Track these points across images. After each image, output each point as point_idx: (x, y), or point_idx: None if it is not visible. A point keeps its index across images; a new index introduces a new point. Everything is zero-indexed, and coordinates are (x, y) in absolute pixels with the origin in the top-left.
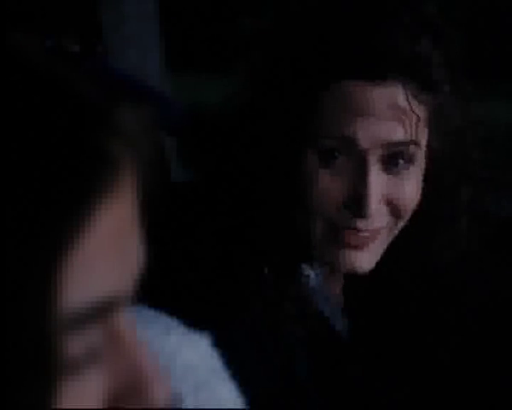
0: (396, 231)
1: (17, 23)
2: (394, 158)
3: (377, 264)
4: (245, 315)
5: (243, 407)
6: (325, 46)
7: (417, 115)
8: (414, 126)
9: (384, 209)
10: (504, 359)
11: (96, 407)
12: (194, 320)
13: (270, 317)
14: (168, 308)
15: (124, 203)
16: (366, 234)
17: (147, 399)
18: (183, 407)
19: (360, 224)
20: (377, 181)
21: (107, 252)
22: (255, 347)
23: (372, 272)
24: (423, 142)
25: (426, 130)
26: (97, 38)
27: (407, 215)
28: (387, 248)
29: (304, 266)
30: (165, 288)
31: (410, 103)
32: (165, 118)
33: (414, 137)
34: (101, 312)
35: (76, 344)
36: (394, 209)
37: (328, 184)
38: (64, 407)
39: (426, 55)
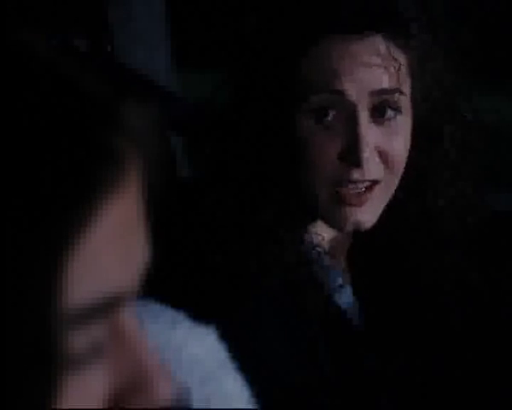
0: (392, 189)
1: (25, 21)
2: (382, 108)
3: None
4: (264, 288)
5: (250, 399)
6: (306, 6)
7: (399, 62)
8: (397, 73)
9: (377, 160)
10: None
11: (98, 404)
12: (214, 303)
13: (288, 283)
14: (183, 299)
15: (129, 199)
16: (363, 187)
17: (150, 395)
18: (191, 399)
19: (357, 175)
20: (368, 130)
21: (112, 248)
22: (278, 317)
23: (375, 243)
24: (408, 91)
25: (408, 79)
26: (106, 37)
27: (399, 167)
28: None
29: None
30: (177, 279)
31: (390, 52)
32: (174, 116)
33: (398, 85)
34: (106, 308)
35: (79, 340)
36: (387, 161)
37: (324, 141)
38: (67, 402)
39: (401, 6)
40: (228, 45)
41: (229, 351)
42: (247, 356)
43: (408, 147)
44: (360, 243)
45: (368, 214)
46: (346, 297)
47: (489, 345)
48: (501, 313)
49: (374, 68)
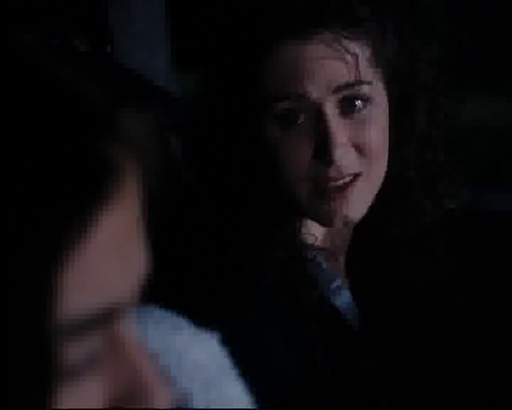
0: (378, 179)
1: (24, 22)
2: (349, 101)
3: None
4: (259, 290)
5: (252, 405)
6: (255, 13)
7: (355, 53)
8: (355, 65)
9: (354, 155)
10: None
11: None
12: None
13: (285, 285)
14: (180, 305)
15: (127, 209)
16: (343, 182)
17: (148, 406)
18: (193, 405)
19: (333, 172)
20: (338, 127)
21: (109, 258)
22: (276, 319)
23: (373, 243)
24: (375, 80)
25: (373, 68)
26: (105, 37)
27: (378, 157)
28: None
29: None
30: (175, 284)
31: (344, 46)
32: (174, 118)
33: (359, 76)
34: (103, 318)
35: (76, 350)
36: (363, 152)
37: (296, 145)
38: None
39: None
40: (198, 50)
41: (229, 354)
42: (245, 358)
43: (386, 134)
44: (358, 244)
45: (354, 207)
46: (344, 298)
47: (487, 345)
48: (499, 314)
49: (331, 65)
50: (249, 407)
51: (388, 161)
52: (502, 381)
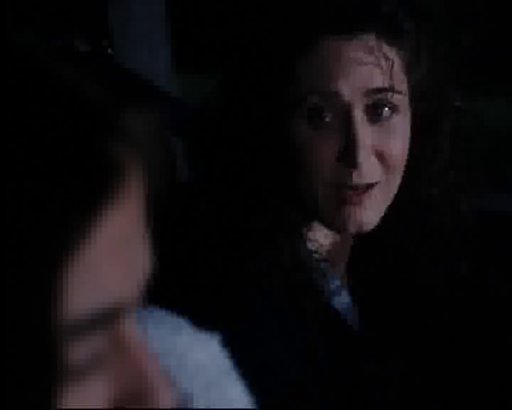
0: (393, 189)
1: (26, 23)
2: (377, 107)
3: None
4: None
5: (251, 406)
6: (295, 9)
7: (392, 60)
8: (390, 72)
9: (376, 162)
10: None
11: None
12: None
13: (287, 288)
14: (182, 306)
15: (130, 208)
16: (362, 188)
17: (150, 406)
18: (193, 406)
19: (355, 178)
20: (364, 131)
21: (112, 258)
22: (278, 322)
23: (374, 249)
24: (404, 90)
25: (405, 77)
26: (106, 39)
27: (398, 167)
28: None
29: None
30: (177, 285)
31: (383, 50)
32: (174, 119)
33: (392, 83)
34: (106, 318)
35: (80, 350)
36: (384, 161)
37: (320, 145)
38: None
39: (391, 4)
40: (224, 47)
41: (230, 355)
42: (247, 360)
43: (407, 146)
44: (360, 249)
45: (369, 214)
46: (343, 299)
47: (488, 346)
48: (501, 316)
49: (367, 67)
50: (249, 407)
51: (410, 177)
52: (503, 384)
